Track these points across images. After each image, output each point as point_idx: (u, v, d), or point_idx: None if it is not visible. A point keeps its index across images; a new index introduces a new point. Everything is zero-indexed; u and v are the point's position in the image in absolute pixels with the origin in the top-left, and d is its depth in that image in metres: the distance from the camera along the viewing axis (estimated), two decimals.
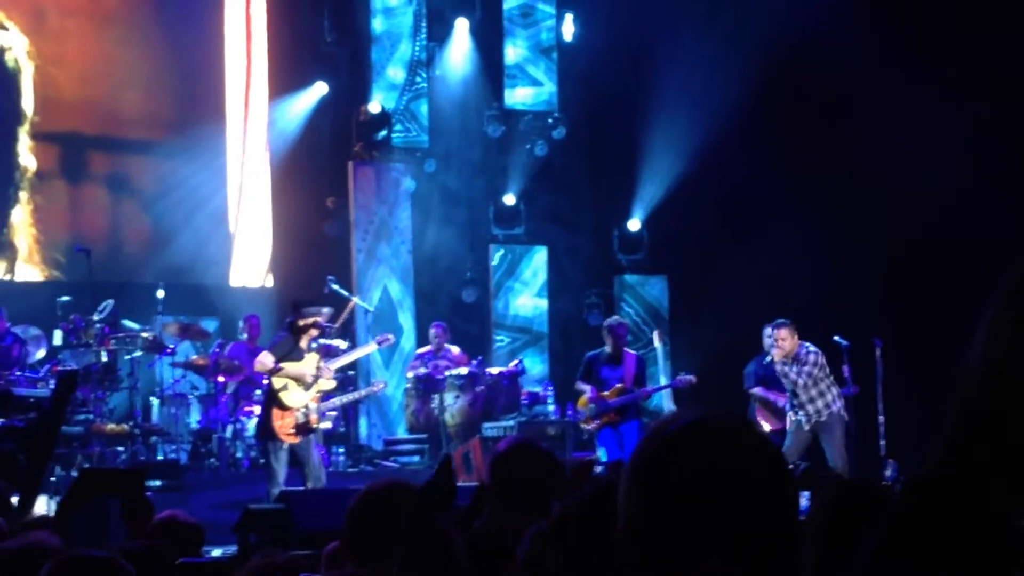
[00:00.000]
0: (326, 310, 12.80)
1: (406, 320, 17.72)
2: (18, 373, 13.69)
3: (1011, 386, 1.68)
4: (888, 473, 13.59)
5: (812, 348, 13.18)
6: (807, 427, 13.10)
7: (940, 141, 15.36)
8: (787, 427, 13.20)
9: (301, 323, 12.48)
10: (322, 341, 12.68)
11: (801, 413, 13.09)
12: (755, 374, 14.41)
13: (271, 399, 12.48)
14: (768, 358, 13.38)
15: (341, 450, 15.49)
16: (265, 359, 12.46)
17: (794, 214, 16.71)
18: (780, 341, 13.13)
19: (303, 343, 12.49)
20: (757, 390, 14.35)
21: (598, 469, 12.13)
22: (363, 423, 16.93)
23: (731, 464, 1.94)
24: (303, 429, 12.32)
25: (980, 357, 1.72)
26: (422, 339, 17.06)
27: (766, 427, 13.51)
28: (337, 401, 13.35)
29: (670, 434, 1.97)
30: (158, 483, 13.20)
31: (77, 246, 16.03)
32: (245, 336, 15.57)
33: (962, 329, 1.90)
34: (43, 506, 11.25)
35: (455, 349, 16.08)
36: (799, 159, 16.91)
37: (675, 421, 1.99)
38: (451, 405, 15.43)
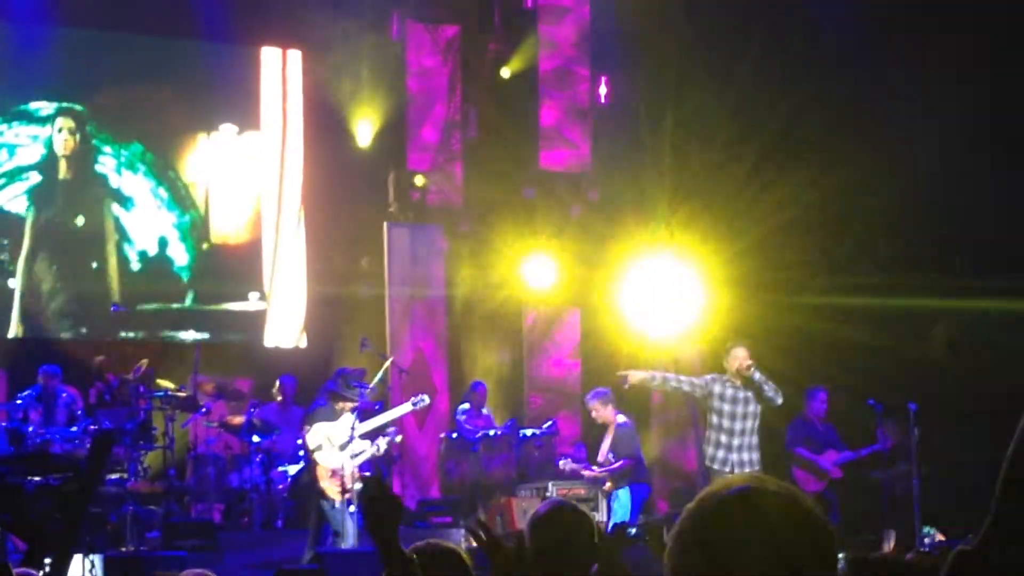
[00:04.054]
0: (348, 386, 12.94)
1: (440, 380, 17.71)
2: (51, 431, 13.75)
3: None
4: (927, 541, 13.47)
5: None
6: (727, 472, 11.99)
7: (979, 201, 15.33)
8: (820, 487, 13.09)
9: (340, 394, 12.69)
10: (362, 390, 12.81)
11: (723, 452, 12.28)
12: (797, 435, 14.45)
13: (306, 459, 12.54)
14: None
15: None
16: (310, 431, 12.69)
17: (827, 275, 16.67)
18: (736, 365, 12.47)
19: (338, 405, 12.61)
20: (799, 451, 14.37)
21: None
22: (396, 483, 16.90)
23: (778, 535, 1.96)
24: (337, 489, 12.33)
25: None
26: (455, 399, 17.05)
27: (807, 487, 13.45)
28: (366, 455, 13.34)
29: (721, 500, 2.00)
30: (192, 543, 13.19)
31: (114, 306, 16.14)
32: (280, 397, 15.61)
33: (999, 395, 1.91)
34: (78, 566, 11.27)
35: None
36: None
37: (727, 488, 2.02)
38: (485, 466, 15.40)
